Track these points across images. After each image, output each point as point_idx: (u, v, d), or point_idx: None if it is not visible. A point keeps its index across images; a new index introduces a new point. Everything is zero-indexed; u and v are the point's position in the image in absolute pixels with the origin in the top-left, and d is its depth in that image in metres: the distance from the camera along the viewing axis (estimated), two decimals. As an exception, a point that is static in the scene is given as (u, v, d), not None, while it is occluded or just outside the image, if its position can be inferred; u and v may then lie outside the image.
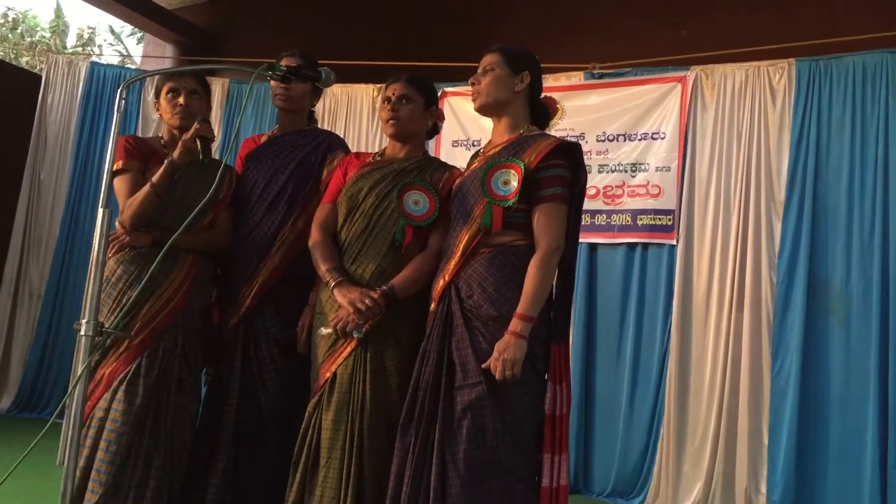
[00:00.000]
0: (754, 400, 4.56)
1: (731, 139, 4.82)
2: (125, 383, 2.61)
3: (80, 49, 18.53)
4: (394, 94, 2.73)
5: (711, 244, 4.80)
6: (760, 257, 4.66)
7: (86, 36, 18.97)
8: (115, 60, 18.48)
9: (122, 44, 18.91)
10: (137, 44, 17.85)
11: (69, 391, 1.98)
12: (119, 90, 2.14)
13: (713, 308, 4.74)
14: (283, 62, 2.84)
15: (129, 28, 16.83)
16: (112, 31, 18.82)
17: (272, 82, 2.90)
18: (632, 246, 5.04)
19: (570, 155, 2.44)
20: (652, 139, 5.02)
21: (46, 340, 6.09)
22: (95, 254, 2.06)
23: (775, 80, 4.76)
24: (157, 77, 3.10)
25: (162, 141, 2.89)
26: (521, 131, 2.53)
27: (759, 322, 4.61)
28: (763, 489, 4.47)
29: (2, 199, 6.17)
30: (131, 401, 2.60)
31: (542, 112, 2.62)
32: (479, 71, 2.60)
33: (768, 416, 4.52)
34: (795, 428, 4.41)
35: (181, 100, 2.80)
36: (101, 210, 2.05)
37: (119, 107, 2.14)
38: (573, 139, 5.13)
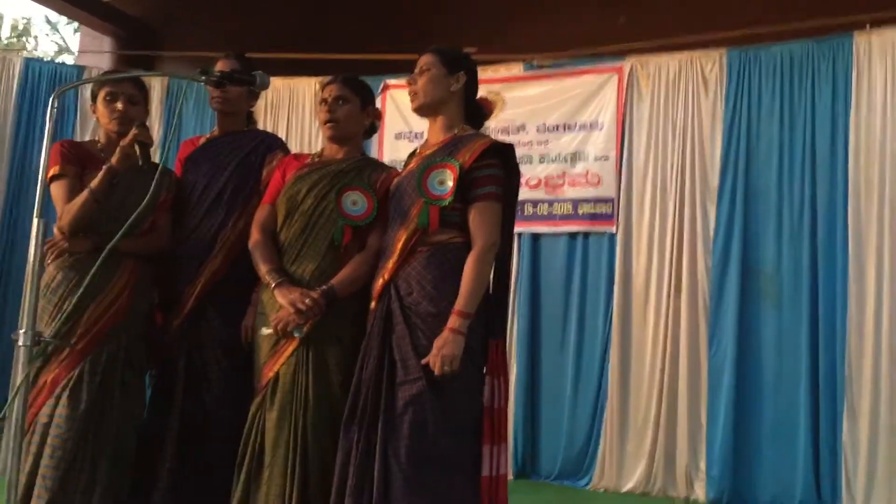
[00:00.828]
0: (693, 381, 4.72)
1: (666, 128, 4.95)
2: (68, 389, 2.62)
3: (14, 40, 18.04)
4: (330, 95, 2.77)
5: (649, 231, 4.93)
6: (696, 243, 4.80)
7: (20, 27, 18.47)
8: (53, 51, 18.07)
9: (58, 34, 18.47)
10: (75, 33, 17.44)
11: (9, 402, 1.99)
12: (52, 97, 2.13)
13: (652, 293, 4.88)
14: (218, 66, 2.85)
15: (66, 17, 16.42)
16: (48, 22, 18.39)
17: (208, 86, 2.90)
18: (573, 234, 5.15)
19: (503, 155, 2.51)
20: (591, 129, 5.13)
21: (-13, 341, 5.98)
22: (31, 263, 2.06)
23: (707, 69, 4.89)
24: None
25: (99, 145, 2.88)
26: (456, 131, 2.58)
27: (696, 306, 4.77)
28: (702, 466, 4.64)
29: (-64, 199, 6.02)
30: (75, 406, 2.60)
31: (478, 112, 2.68)
32: (415, 71, 2.64)
33: (706, 397, 4.69)
34: (732, 407, 4.59)
35: (119, 105, 2.79)
36: (35, 220, 2.06)
37: (51, 115, 2.12)
38: (514, 130, 5.24)
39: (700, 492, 4.62)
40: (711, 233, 4.76)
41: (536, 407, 5.13)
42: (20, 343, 2.02)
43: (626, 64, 5.08)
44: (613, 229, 5.00)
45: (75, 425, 2.59)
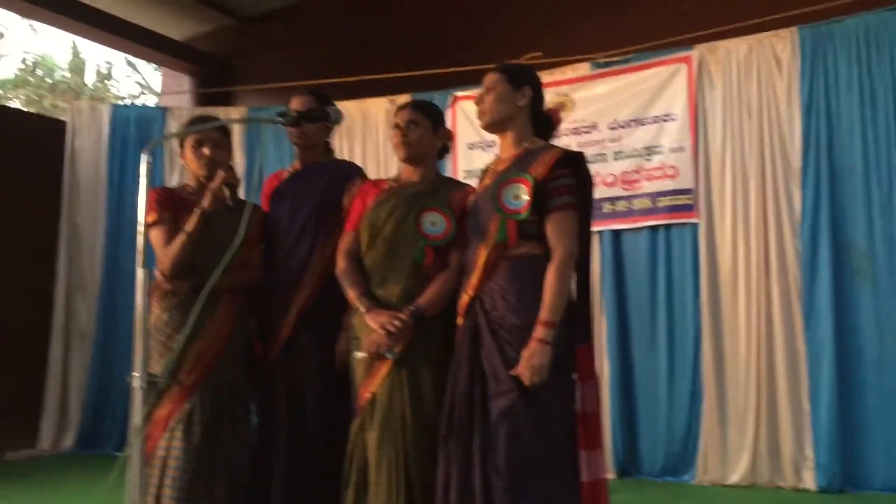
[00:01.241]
0: (791, 367, 4.63)
1: (741, 113, 4.88)
2: (182, 422, 2.78)
3: (99, 85, 18.88)
4: (402, 119, 2.86)
5: (733, 218, 4.87)
6: (783, 226, 4.72)
7: (104, 71, 19.32)
8: (135, 90, 18.84)
9: (140, 74, 19.24)
10: (155, 70, 18.15)
11: (129, 440, 2.13)
12: (143, 153, 2.27)
13: (741, 281, 4.81)
14: (294, 104, 2.98)
15: (145, 60, 17.13)
16: (129, 64, 19.15)
17: (286, 125, 3.03)
18: (654, 228, 5.12)
19: (574, 164, 2.55)
20: (663, 121, 5.09)
21: (101, 378, 6.32)
22: (139, 311, 2.20)
23: (779, 49, 4.81)
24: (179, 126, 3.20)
25: (189, 189, 3.04)
26: (527, 144, 2.63)
27: (788, 290, 4.68)
28: (809, 453, 4.55)
29: (44, 245, 6.39)
30: (189, 438, 2.76)
31: (547, 123, 2.73)
32: (482, 90, 2.70)
33: (807, 381, 4.60)
34: (835, 390, 4.49)
35: (206, 151, 2.95)
36: (139, 270, 2.20)
37: (146, 171, 2.26)
38: (585, 129, 5.24)
39: (809, 480, 4.52)
40: (798, 214, 4.67)
41: (632, 405, 5.11)
42: (135, 385, 2.16)
43: (695, 52, 5.02)
44: (695, 220, 4.95)
45: (191, 456, 2.75)
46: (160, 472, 2.75)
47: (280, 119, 2.44)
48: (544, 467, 2.39)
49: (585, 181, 2.59)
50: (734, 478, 4.71)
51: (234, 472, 2.86)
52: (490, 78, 2.69)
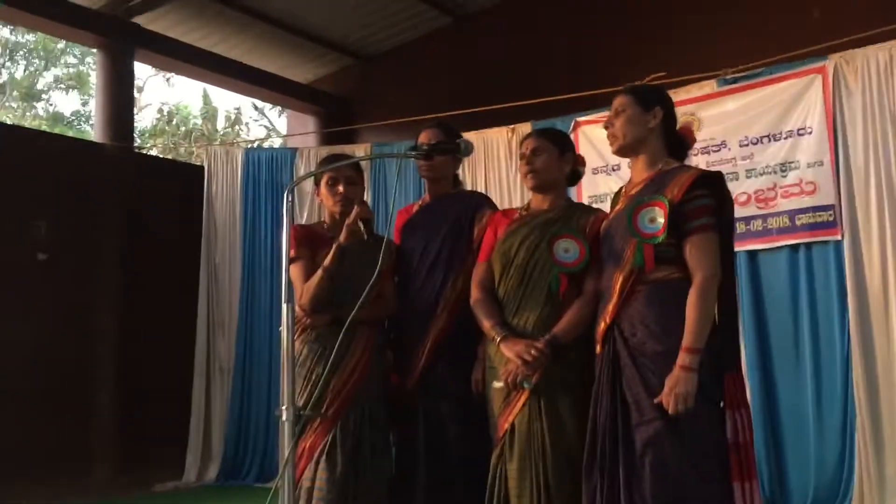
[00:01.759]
0: (951, 391, 4.30)
1: (884, 122, 4.62)
2: (325, 454, 2.84)
3: (229, 130, 19.85)
4: (528, 148, 2.85)
5: (880, 233, 4.59)
6: (936, 239, 4.42)
7: (233, 117, 20.32)
8: (262, 133, 19.70)
9: (266, 118, 20.12)
10: (279, 116, 18.95)
11: (280, 472, 2.19)
12: (285, 193, 2.36)
13: (892, 299, 4.52)
14: (422, 137, 3.03)
15: (271, 104, 17.91)
16: (255, 108, 20.08)
17: (416, 160, 3.09)
18: (794, 248, 4.88)
19: (712, 184, 2.47)
20: (798, 135, 4.88)
21: (241, 411, 6.57)
22: (285, 345, 2.27)
23: (922, 54, 4.53)
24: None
25: (325, 225, 3.13)
26: (660, 166, 2.57)
27: (946, 306, 4.36)
28: (974, 483, 4.20)
29: (185, 285, 6.73)
30: (333, 469, 2.82)
31: (680, 144, 2.66)
32: (611, 114, 2.67)
33: (969, 407, 4.25)
34: None
35: (340, 188, 3.04)
36: (284, 305, 2.27)
37: (287, 207, 2.35)
38: (714, 148, 5.09)
39: (978, 510, 4.18)
40: (953, 225, 4.36)
41: (778, 434, 4.86)
42: (283, 418, 2.22)
43: (829, 62, 4.80)
44: (839, 237, 4.69)
45: (335, 486, 2.80)
46: (307, 501, 2.81)
47: (412, 153, 2.48)
48: (694, 499, 2.30)
49: (725, 201, 2.50)
50: (894, 509, 4.41)
51: (376, 503, 2.89)
52: (619, 101, 2.65)
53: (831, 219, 4.72)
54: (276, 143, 17.28)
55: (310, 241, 3.04)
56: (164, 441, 6.52)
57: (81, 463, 6.12)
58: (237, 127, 20.41)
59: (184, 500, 5.94)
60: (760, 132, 5.00)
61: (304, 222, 5.84)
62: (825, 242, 4.77)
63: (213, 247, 6.80)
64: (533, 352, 2.57)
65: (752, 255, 5.01)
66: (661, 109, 2.61)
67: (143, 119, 19.35)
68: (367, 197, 6.15)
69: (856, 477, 4.55)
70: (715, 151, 5.12)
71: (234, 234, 6.79)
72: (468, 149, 2.56)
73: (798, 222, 4.83)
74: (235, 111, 20.67)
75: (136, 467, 6.32)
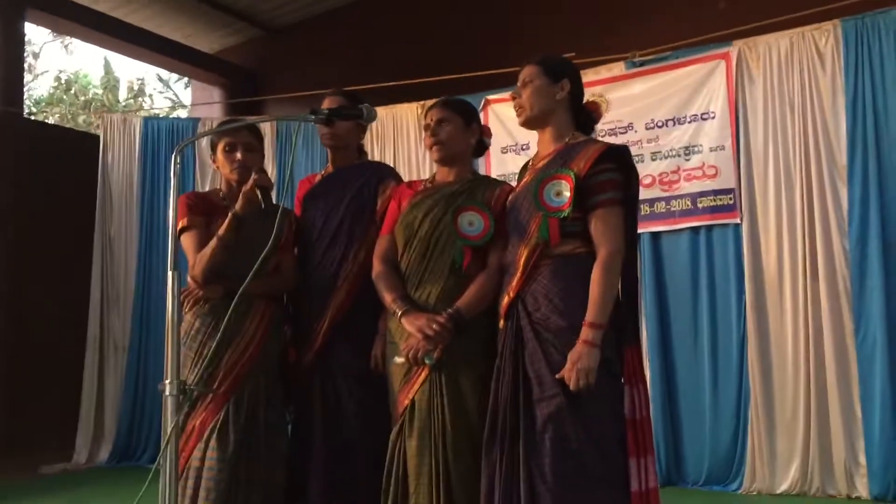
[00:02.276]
0: (842, 371, 4.47)
1: (783, 109, 4.74)
2: (216, 432, 2.70)
3: (132, 101, 19.10)
4: (432, 119, 2.78)
5: (777, 218, 4.72)
6: (829, 225, 4.56)
7: (136, 87, 19.53)
8: (166, 107, 19.02)
9: (171, 90, 19.44)
10: (185, 88, 18.33)
11: (162, 450, 2.06)
12: (173, 154, 2.21)
13: (787, 283, 4.66)
14: (325, 104, 2.91)
15: (175, 74, 17.30)
16: (160, 80, 19.36)
17: (317, 124, 2.96)
18: (695, 230, 4.98)
19: (619, 158, 2.44)
20: (702, 120, 4.96)
21: (136, 390, 6.31)
22: (170, 314, 2.13)
23: (822, 43, 4.66)
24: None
25: (221, 194, 2.98)
26: (567, 139, 2.53)
27: (837, 292, 4.52)
28: (862, 460, 4.38)
29: (77, 258, 6.41)
30: (224, 448, 2.69)
31: (587, 118, 2.62)
32: (518, 85, 2.61)
33: (858, 387, 4.43)
34: (889, 394, 4.33)
35: (238, 155, 2.88)
36: (170, 272, 2.13)
37: (174, 171, 2.21)
38: (621, 130, 5.12)
39: (862, 488, 4.35)
40: (845, 213, 4.51)
41: (675, 411, 4.96)
42: (167, 393, 2.09)
43: (733, 49, 4.89)
44: (738, 220, 4.80)
45: (226, 466, 2.67)
46: (195, 482, 2.68)
47: (311, 117, 2.37)
48: (593, 475, 2.28)
49: (631, 176, 2.48)
50: (783, 486, 4.55)
51: (271, 483, 2.78)
52: (527, 71, 2.59)
53: (731, 202, 4.82)
54: (183, 116, 16.72)
55: (204, 208, 2.89)
56: (52, 421, 6.23)
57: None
58: (140, 99, 19.64)
59: (73, 482, 5.66)
60: (666, 115, 5.07)
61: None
62: (725, 225, 4.87)
63: (107, 219, 6.49)
64: (435, 326, 2.50)
65: (655, 236, 5.09)
66: (568, 81, 2.56)
67: (40, 87, 18.44)
68: (272, 174, 5.99)
69: (748, 455, 4.69)
70: (622, 133, 5.16)
71: (130, 206, 6.50)
72: (371, 115, 2.46)
73: (700, 205, 4.92)
74: (139, 82, 19.90)
75: (22, 449, 6.00)
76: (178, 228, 2.82)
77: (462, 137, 2.78)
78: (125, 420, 6.29)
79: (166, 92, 19.54)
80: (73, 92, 19.15)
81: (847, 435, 4.42)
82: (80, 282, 6.38)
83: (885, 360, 4.33)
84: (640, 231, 4.99)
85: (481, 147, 2.91)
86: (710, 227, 4.93)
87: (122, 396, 6.33)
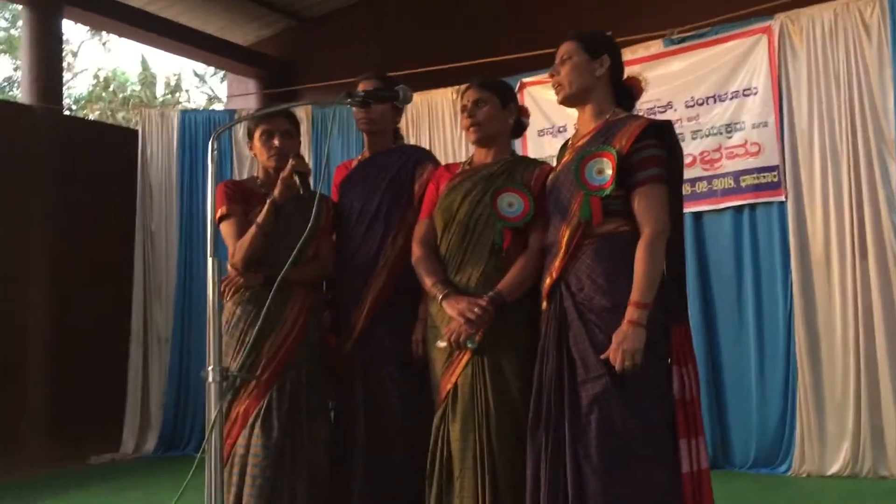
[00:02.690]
0: (893, 347, 4.39)
1: (828, 84, 4.63)
2: (260, 419, 2.71)
3: (169, 96, 19.31)
4: (469, 100, 2.74)
5: (823, 194, 4.62)
6: (878, 200, 4.46)
7: (172, 83, 19.75)
8: (203, 101, 19.21)
9: (206, 84, 19.61)
10: (221, 82, 18.48)
11: (206, 436, 2.06)
12: (210, 141, 2.20)
13: (834, 260, 4.56)
14: (360, 87, 2.88)
15: (212, 69, 17.44)
16: (196, 75, 19.56)
17: (353, 109, 2.95)
18: (738, 209, 4.89)
19: (662, 134, 2.38)
20: (744, 96, 4.86)
21: (179, 381, 6.40)
22: (211, 301, 2.12)
23: (867, 14, 4.54)
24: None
25: (258, 181, 2.98)
26: (608, 116, 2.48)
27: (887, 267, 4.42)
28: (917, 439, 4.27)
29: (119, 252, 6.49)
30: (268, 434, 2.69)
31: (628, 93, 2.57)
32: (556, 62, 2.55)
33: (911, 364, 4.31)
34: (943, 371, 4.20)
35: (276, 142, 2.88)
36: (210, 259, 2.12)
37: (212, 157, 2.20)
38: (660, 109, 5.03)
39: (915, 468, 4.25)
40: (894, 188, 4.39)
41: (721, 394, 4.89)
42: (210, 380, 2.08)
43: (775, 22, 4.78)
44: (783, 198, 4.70)
45: (271, 453, 2.68)
46: (240, 469, 2.69)
47: (347, 100, 2.34)
48: (641, 457, 2.23)
49: (674, 152, 2.42)
50: (834, 468, 4.47)
51: (315, 470, 2.79)
52: (565, 47, 2.53)
53: (775, 180, 4.72)
54: (219, 109, 16.86)
55: (242, 196, 2.89)
56: (99, 413, 6.33)
57: (12, 437, 5.88)
58: (177, 94, 19.87)
59: (121, 472, 5.76)
60: (706, 93, 4.98)
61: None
62: (769, 203, 4.78)
63: (148, 212, 6.58)
64: (476, 310, 2.46)
65: (697, 216, 5.00)
66: (608, 57, 2.50)
67: (79, 85, 18.72)
68: (308, 162, 5.98)
69: (797, 437, 4.60)
70: (661, 112, 5.08)
71: (170, 199, 6.58)
72: (406, 96, 2.43)
73: (742, 183, 4.83)
74: (175, 77, 20.13)
75: (71, 440, 6.11)
76: (217, 217, 2.82)
77: (500, 118, 2.73)
78: (170, 410, 6.38)
79: (202, 86, 19.74)
80: (111, 89, 19.41)
81: (900, 415, 4.32)
82: (122, 275, 6.46)
83: (938, 335, 4.22)
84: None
85: (519, 128, 2.86)
86: (753, 206, 4.84)
87: (166, 387, 6.43)
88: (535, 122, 5.35)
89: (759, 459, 4.73)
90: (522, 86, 5.52)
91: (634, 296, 2.24)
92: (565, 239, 2.38)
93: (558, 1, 6.29)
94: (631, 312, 2.23)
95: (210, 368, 2.09)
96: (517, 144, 5.21)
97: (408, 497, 2.74)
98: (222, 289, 2.81)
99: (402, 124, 3.31)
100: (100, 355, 6.42)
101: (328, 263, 2.98)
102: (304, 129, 6.18)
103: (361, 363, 2.88)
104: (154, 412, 6.43)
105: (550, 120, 5.41)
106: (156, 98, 19.09)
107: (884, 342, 4.36)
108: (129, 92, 19.49)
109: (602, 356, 2.25)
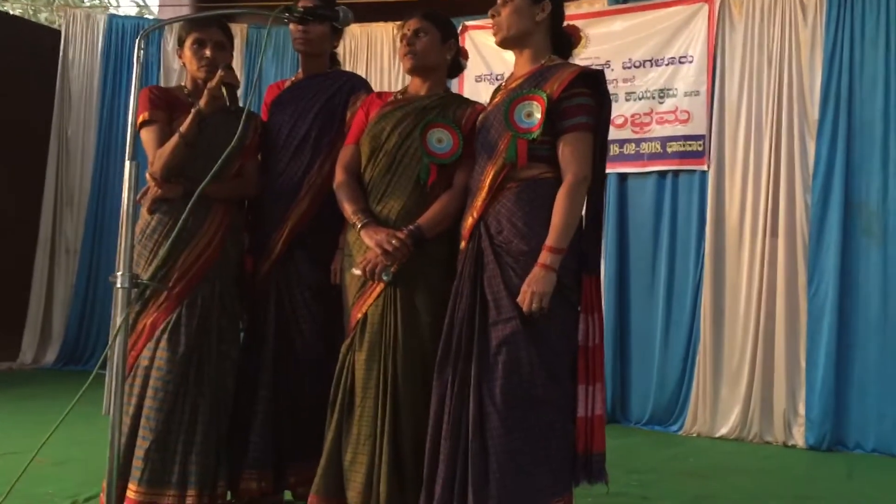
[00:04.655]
0: (791, 324, 4.56)
1: (760, 59, 4.72)
2: (167, 332, 2.66)
3: (97, 2, 18.42)
4: (409, 29, 2.69)
5: (743, 168, 4.74)
6: (794, 179, 4.60)
7: (102, -12, 18.83)
8: (133, 12, 18.39)
9: (138, -6, 18.76)
10: (154, -6, 17.70)
11: (110, 343, 2.02)
12: (137, 40, 2.12)
13: (747, 233, 4.71)
14: (300, 4, 2.80)
15: (145, -22, 16.67)
16: (128, -18, 18.68)
17: (291, 26, 2.87)
18: (662, 174, 4.98)
19: (593, 83, 2.39)
20: (679, 63, 4.92)
21: (86, 294, 6.23)
22: (125, 206, 2.07)
23: (805, -4, 4.62)
24: (178, 26, 3.05)
25: (186, 90, 2.88)
26: (543, 62, 2.47)
27: (794, 245, 4.58)
28: (801, 410, 4.50)
29: (31, 158, 6.23)
30: (174, 349, 2.65)
31: (565, 41, 2.56)
32: (498, 3, 2.53)
33: (805, 340, 4.53)
34: (833, 349, 4.42)
35: (207, 52, 2.78)
36: (128, 162, 2.06)
37: (138, 57, 2.12)
38: (598, 67, 5.04)
39: (798, 437, 4.49)
40: (811, 169, 4.54)
41: (626, 350, 5.04)
42: (118, 285, 2.04)
43: (718, -7, 4.83)
44: (705, 167, 4.81)
45: (176, 368, 2.64)
46: (143, 381, 2.64)
47: (285, 15, 2.28)
48: (542, 399, 2.28)
49: (604, 102, 2.43)
50: (723, 431, 4.68)
51: (220, 388, 2.76)
52: (507, -11, 2.50)
53: (700, 149, 4.83)
54: (150, 18, 16.16)
55: (167, 104, 2.79)
56: (-1, 320, 6.13)
57: None
58: (106, 1, 18.95)
59: (19, 380, 5.62)
60: (644, 56, 5.02)
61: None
62: (692, 172, 4.89)
63: (65, 117, 6.32)
64: (395, 242, 2.45)
65: (623, 177, 5.09)
66: (549, 3, 2.49)
67: (0, -21, 17.66)
68: (241, 85, 5.82)
69: (692, 399, 4.79)
70: (598, 71, 5.09)
71: (90, 104, 6.32)
72: (347, 17, 2.39)
73: (669, 149, 4.92)
74: (105, -18, 19.18)
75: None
76: (139, 122, 2.72)
77: (438, 51, 2.70)
78: (74, 323, 6.23)
79: (134, -4, 18.86)
80: (35, -13, 18.40)
81: (789, 386, 4.54)
82: (33, 180, 6.21)
83: (834, 316, 4.42)
84: (607, 171, 4.98)
85: (456, 67, 2.83)
86: (677, 173, 4.95)
87: (71, 300, 6.25)
88: (473, 67, 5.34)
89: (655, 417, 4.91)
90: (465, 28, 5.46)
91: (549, 240, 2.27)
92: (489, 179, 2.39)
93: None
94: (544, 256, 2.25)
95: (119, 274, 2.04)
96: (454, 87, 5.17)
97: (312, 423, 2.75)
98: (138, 199, 2.72)
99: (340, 55, 3.24)
100: (3, 262, 6.18)
101: (251, 183, 2.92)
102: (238, 47, 6.00)
103: (276, 286, 2.86)
104: (57, 324, 6.26)
105: (489, 66, 5.39)
106: (83, 2, 18.19)
107: (783, 319, 4.55)
108: (54, -8, 18.51)
109: (518, 300, 2.27)
